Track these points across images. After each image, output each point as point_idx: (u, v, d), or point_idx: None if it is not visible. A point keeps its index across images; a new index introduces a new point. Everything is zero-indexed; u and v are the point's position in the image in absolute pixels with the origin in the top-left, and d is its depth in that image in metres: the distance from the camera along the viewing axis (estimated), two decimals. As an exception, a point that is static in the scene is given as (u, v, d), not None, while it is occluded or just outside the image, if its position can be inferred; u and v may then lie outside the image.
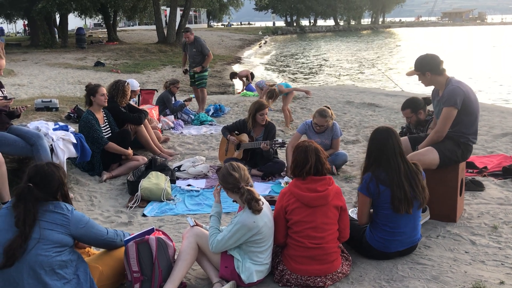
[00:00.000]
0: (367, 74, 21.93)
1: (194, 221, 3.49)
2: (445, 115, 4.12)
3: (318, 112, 6.02)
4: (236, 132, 6.26)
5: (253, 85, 14.46)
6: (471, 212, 4.56)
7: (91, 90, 5.93)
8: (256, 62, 29.72)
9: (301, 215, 3.31)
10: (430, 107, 5.44)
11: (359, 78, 20.64)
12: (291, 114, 9.36)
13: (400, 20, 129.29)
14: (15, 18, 33.51)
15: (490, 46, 37.38)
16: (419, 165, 3.66)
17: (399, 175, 3.49)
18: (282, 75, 22.87)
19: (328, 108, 6.13)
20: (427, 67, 4.22)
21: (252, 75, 15.19)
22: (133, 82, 8.03)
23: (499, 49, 33.80)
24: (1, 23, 32.47)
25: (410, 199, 3.47)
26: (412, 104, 5.39)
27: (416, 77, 4.38)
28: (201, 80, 10.15)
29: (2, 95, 4.86)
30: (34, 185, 2.86)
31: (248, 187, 3.26)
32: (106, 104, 6.05)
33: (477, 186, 5.17)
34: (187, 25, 30.60)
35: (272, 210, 3.50)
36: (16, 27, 54.81)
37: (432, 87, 4.50)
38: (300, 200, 3.32)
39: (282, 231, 3.41)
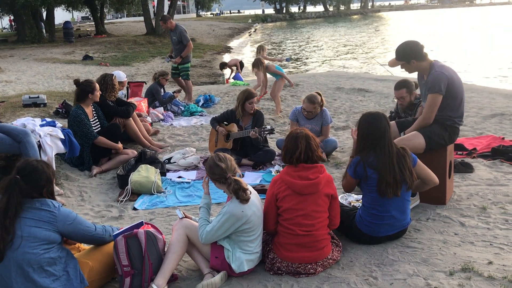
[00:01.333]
0: (357, 59, 21.91)
1: (183, 213, 3.48)
2: (430, 102, 4.12)
3: (307, 97, 6.03)
4: (225, 122, 6.24)
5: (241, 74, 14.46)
6: (461, 194, 4.59)
7: (89, 88, 5.85)
8: (247, 50, 29.58)
9: (291, 203, 3.31)
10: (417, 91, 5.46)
11: (349, 63, 20.61)
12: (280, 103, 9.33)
13: (390, 4, 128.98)
14: (1, 14, 33.03)
15: (469, 28, 37.39)
16: (407, 149, 3.67)
17: (391, 159, 3.49)
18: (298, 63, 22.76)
19: (319, 94, 6.12)
20: (412, 55, 4.20)
21: (242, 64, 15.15)
22: (119, 74, 7.96)
23: (479, 31, 33.83)
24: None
25: (399, 182, 3.49)
26: (408, 84, 5.39)
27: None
28: (184, 72, 10.13)
29: None
30: (22, 177, 2.84)
31: (235, 177, 3.25)
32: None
33: (466, 168, 5.20)
34: (175, 15, 30.37)
35: (263, 199, 3.51)
36: (2, 23, 54.07)
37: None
38: (291, 188, 3.32)
39: (273, 219, 3.41)
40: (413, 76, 4.65)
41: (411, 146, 3.98)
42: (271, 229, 3.45)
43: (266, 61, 9.32)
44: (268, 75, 9.64)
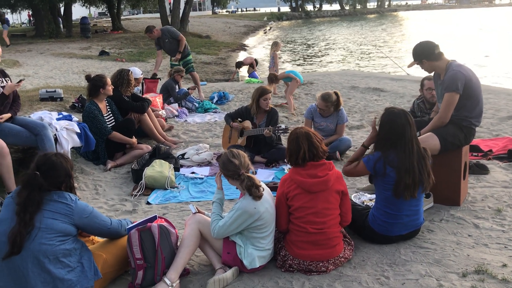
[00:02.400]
0: (373, 58, 21.77)
1: (196, 208, 3.51)
2: (447, 101, 4.09)
3: (321, 95, 6.03)
4: (239, 119, 6.25)
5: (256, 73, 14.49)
6: (475, 195, 4.54)
7: (100, 83, 5.89)
8: (262, 48, 29.57)
9: (302, 201, 3.32)
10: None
11: (364, 62, 20.49)
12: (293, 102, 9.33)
13: (407, 3, 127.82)
14: (20, 9, 33.46)
15: (486, 28, 36.90)
16: (427, 149, 3.64)
17: (411, 159, 3.46)
18: (287, 61, 22.75)
19: (337, 94, 6.09)
20: (422, 55, 4.22)
21: (256, 62, 15.16)
22: (135, 70, 8.02)
23: (498, 31, 33.33)
24: (6, 13, 32.44)
25: (417, 183, 3.46)
26: None
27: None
28: (188, 65, 10.22)
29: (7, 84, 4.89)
30: (41, 173, 2.89)
31: (249, 174, 3.26)
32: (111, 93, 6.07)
33: (481, 170, 5.14)
34: (191, 12, 30.46)
35: (275, 196, 3.51)
36: (21, 17, 54.79)
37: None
38: (300, 186, 3.32)
39: (284, 217, 3.42)
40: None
41: (426, 147, 3.95)
42: (283, 227, 3.46)
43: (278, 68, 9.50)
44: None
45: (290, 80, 9.33)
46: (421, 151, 3.54)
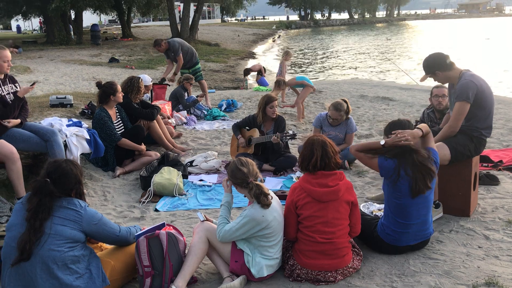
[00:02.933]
0: (382, 67, 21.73)
1: (204, 216, 3.50)
2: (458, 110, 4.06)
3: (333, 105, 6.01)
4: (246, 128, 6.26)
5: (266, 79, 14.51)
6: (485, 206, 4.50)
7: (111, 90, 5.93)
8: (271, 56, 29.65)
9: (311, 210, 3.30)
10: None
11: (372, 71, 20.46)
12: (304, 109, 9.31)
13: (416, 12, 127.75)
14: (31, 16, 33.87)
15: (496, 38, 36.72)
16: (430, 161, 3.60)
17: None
18: (295, 69, 22.77)
19: (345, 101, 6.09)
20: (435, 66, 4.19)
21: (264, 69, 15.18)
22: (145, 78, 8.08)
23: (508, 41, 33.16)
24: (17, 20, 32.87)
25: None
26: None
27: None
28: (197, 73, 10.31)
29: (17, 89, 4.94)
30: (52, 180, 2.90)
31: (257, 182, 3.26)
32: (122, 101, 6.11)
33: (491, 180, 5.10)
34: (200, 20, 30.66)
35: (283, 204, 3.50)
36: (32, 24, 55.40)
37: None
38: (310, 195, 3.31)
39: (293, 226, 3.41)
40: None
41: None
42: (292, 236, 3.45)
43: (286, 72, 9.45)
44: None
45: (301, 87, 9.27)
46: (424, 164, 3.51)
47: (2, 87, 4.79)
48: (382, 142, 3.66)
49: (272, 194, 3.35)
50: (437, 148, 4.05)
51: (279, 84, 9.06)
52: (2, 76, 4.83)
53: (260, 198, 3.19)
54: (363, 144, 3.85)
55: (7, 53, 4.77)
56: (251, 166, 3.32)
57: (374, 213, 4.29)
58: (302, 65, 24.53)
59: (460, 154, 4.08)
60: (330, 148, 3.39)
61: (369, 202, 4.60)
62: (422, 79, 4.38)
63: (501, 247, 3.69)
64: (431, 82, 4.67)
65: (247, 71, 15.20)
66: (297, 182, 3.47)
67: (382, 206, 4.25)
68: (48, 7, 24.19)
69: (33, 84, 5.09)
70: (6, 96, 4.79)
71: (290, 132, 5.87)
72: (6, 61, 4.75)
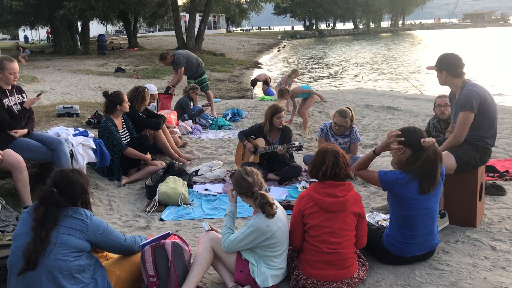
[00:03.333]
0: (387, 76, 21.75)
1: (209, 225, 3.51)
2: (462, 120, 4.06)
3: (338, 111, 6.03)
4: (252, 136, 6.27)
5: (272, 89, 14.54)
6: (492, 217, 4.47)
7: (117, 99, 5.97)
8: (277, 66, 29.75)
9: (318, 220, 3.30)
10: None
11: (377, 80, 20.48)
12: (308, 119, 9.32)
13: (421, 22, 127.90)
14: (38, 26, 34.22)
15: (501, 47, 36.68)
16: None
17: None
18: (299, 79, 22.82)
19: (349, 109, 6.10)
20: (444, 65, 4.18)
21: (270, 79, 15.22)
22: (151, 87, 8.12)
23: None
24: (24, 30, 33.22)
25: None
26: None
27: (435, 74, 4.36)
28: (203, 84, 10.40)
29: (23, 100, 4.99)
30: (58, 190, 2.92)
31: (262, 192, 3.26)
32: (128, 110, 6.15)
33: (498, 191, 5.08)
34: (206, 30, 30.83)
35: (288, 214, 3.50)
36: (40, 34, 55.95)
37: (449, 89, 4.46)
38: (318, 205, 3.30)
39: (299, 235, 3.40)
40: (445, 91, 4.60)
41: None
42: (297, 245, 3.44)
43: (291, 86, 9.48)
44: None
45: (307, 96, 9.28)
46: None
47: (9, 98, 4.83)
48: (373, 149, 3.73)
49: (277, 203, 3.35)
50: (443, 157, 4.04)
51: (283, 93, 9.08)
52: (9, 87, 4.87)
53: (265, 207, 3.19)
54: (359, 161, 3.85)
55: (15, 65, 4.82)
56: (256, 176, 3.32)
57: (379, 223, 4.28)
58: (306, 73, 24.57)
59: (465, 163, 4.07)
60: (342, 158, 3.40)
61: (375, 212, 4.59)
62: (429, 67, 4.38)
63: (508, 258, 3.66)
64: (436, 92, 4.67)
65: (254, 82, 15.24)
66: (305, 190, 3.47)
67: (388, 216, 4.24)
68: (55, 14, 24.42)
69: (39, 94, 5.14)
70: (13, 106, 4.84)
71: (296, 143, 5.88)
72: (13, 73, 4.78)
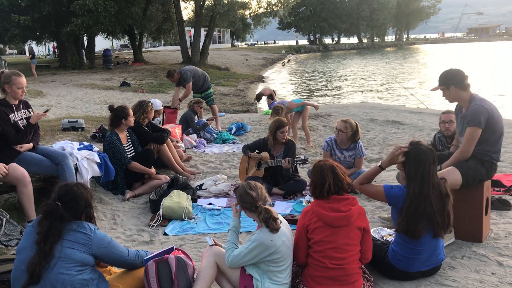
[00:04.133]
0: (391, 91, 21.78)
1: (213, 240, 3.49)
2: (470, 135, 4.04)
3: (341, 119, 6.07)
4: (256, 151, 6.27)
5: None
6: (498, 232, 4.43)
7: (123, 113, 6.01)
8: (281, 80, 29.86)
9: (322, 235, 3.28)
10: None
11: (382, 94, 20.50)
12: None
13: (425, 36, 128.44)
14: (45, 41, 34.60)
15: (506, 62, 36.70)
16: (447, 187, 3.56)
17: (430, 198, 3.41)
18: (303, 94, 22.88)
19: (356, 124, 6.09)
20: (452, 81, 4.16)
21: (275, 93, 15.26)
22: (156, 102, 8.16)
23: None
24: (30, 45, 33.59)
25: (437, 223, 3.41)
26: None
27: (440, 93, 4.34)
28: (208, 98, 10.52)
29: (30, 115, 5.01)
30: (62, 204, 2.92)
31: (266, 206, 3.25)
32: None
33: (504, 205, 5.03)
34: (211, 45, 31.05)
35: (293, 229, 3.48)
36: (46, 49, 56.53)
37: (455, 104, 4.44)
38: (322, 219, 3.29)
39: (304, 250, 3.37)
40: (450, 107, 4.59)
41: (448, 182, 3.87)
42: (302, 260, 3.41)
43: (284, 101, 9.51)
44: None
45: (300, 109, 9.20)
46: (442, 189, 3.47)
47: (15, 113, 4.85)
48: (379, 164, 3.69)
49: (281, 218, 3.33)
50: (448, 173, 4.02)
51: (277, 111, 9.01)
52: (16, 102, 4.90)
53: (269, 222, 3.17)
54: (363, 175, 3.82)
55: (23, 80, 4.85)
56: (260, 190, 3.31)
57: (384, 238, 4.24)
58: (310, 90, 24.64)
59: (471, 178, 4.05)
60: (339, 170, 3.38)
61: (380, 227, 4.56)
62: (434, 89, 4.36)
63: (515, 273, 3.62)
64: (441, 107, 4.66)
65: (259, 96, 15.28)
66: (309, 205, 3.45)
67: (393, 230, 4.20)
68: (62, 30, 24.70)
69: (46, 111, 5.16)
70: (19, 122, 4.86)
71: (302, 157, 5.87)
72: (21, 87, 4.81)
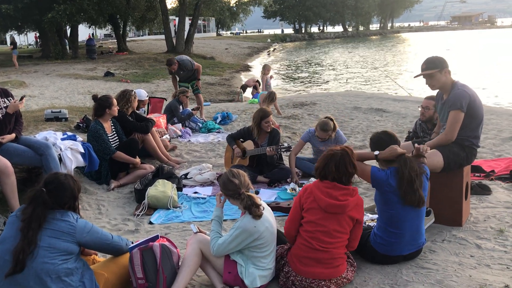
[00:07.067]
0: (375, 79, 21.90)
1: (198, 227, 3.52)
2: (453, 119, 4.11)
3: (319, 125, 5.95)
4: (241, 139, 6.29)
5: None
6: (477, 216, 4.54)
7: (107, 103, 5.98)
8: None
9: (315, 217, 3.33)
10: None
11: (366, 83, 20.61)
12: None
13: (409, 25, 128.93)
14: (27, 30, 34.01)
15: (488, 49, 37.07)
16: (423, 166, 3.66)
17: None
18: (288, 81, 22.91)
19: (331, 119, 6.07)
20: (440, 64, 4.19)
21: (259, 83, 15.30)
22: (141, 92, 8.12)
23: (500, 53, 33.49)
24: (11, 34, 33.01)
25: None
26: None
27: (422, 81, 4.36)
28: (196, 87, 10.71)
29: (9, 104, 4.95)
30: (47, 191, 2.93)
31: (249, 193, 3.29)
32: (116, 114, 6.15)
33: (483, 190, 5.14)
34: (195, 34, 30.84)
35: (277, 216, 3.52)
36: (28, 39, 55.53)
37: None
38: (317, 202, 3.34)
39: (296, 223, 3.43)
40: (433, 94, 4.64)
41: (429, 164, 3.92)
42: (292, 234, 3.47)
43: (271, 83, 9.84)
44: None
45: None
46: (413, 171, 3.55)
47: None
48: (376, 153, 3.73)
49: (264, 204, 3.37)
50: (431, 155, 4.05)
51: (272, 98, 9.15)
52: None
53: (252, 209, 3.22)
54: (357, 152, 3.87)
55: None
56: (242, 178, 3.35)
57: (367, 223, 4.31)
58: (295, 78, 24.67)
59: (452, 162, 4.12)
60: (350, 162, 3.41)
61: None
62: (417, 76, 4.35)
63: (492, 256, 3.72)
64: (424, 94, 4.70)
65: (244, 87, 15.41)
66: (310, 184, 3.51)
67: (375, 216, 4.28)
68: (44, 18, 24.24)
69: (22, 98, 5.06)
70: None
71: (285, 144, 5.91)
72: None
